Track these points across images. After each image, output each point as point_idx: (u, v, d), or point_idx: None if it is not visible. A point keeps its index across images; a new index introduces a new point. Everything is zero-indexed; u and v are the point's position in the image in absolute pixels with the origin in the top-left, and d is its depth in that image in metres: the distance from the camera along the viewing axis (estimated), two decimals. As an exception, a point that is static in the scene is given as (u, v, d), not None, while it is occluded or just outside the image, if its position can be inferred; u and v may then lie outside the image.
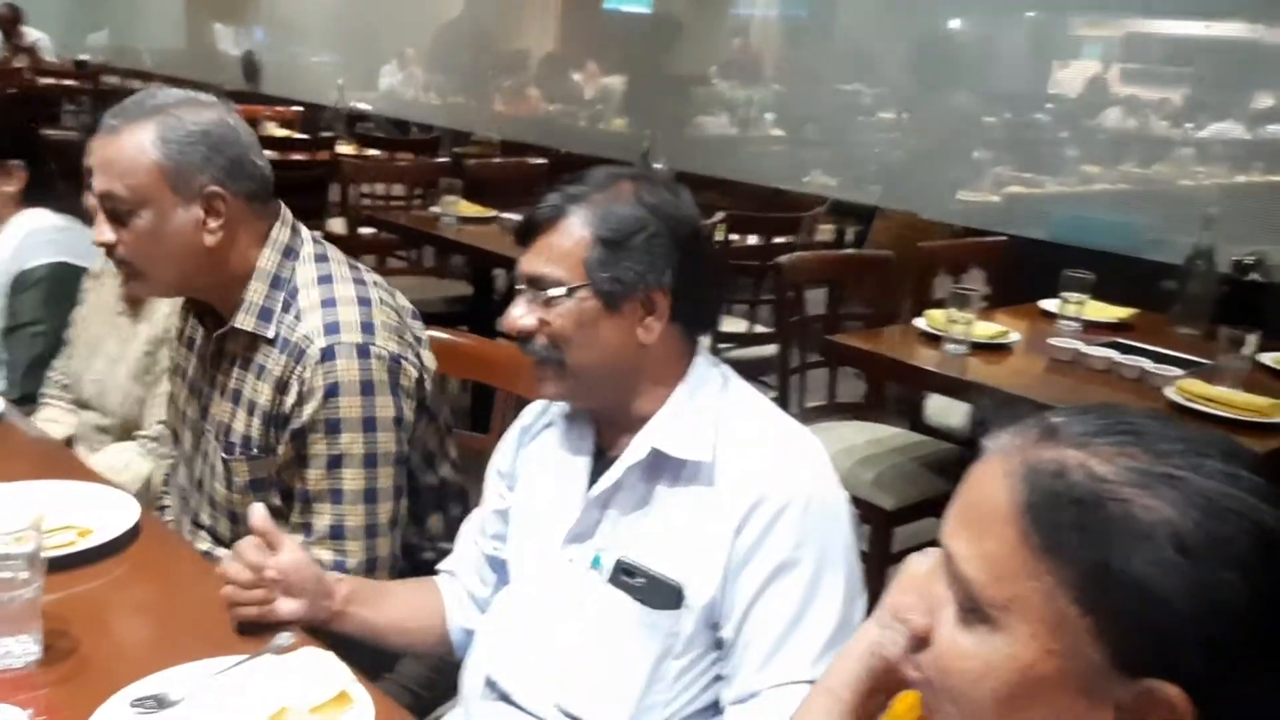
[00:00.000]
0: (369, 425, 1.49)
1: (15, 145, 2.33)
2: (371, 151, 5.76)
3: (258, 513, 1.31)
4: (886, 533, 2.60)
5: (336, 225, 4.98)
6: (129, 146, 1.45)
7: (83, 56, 9.65)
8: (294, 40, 8.73)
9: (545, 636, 1.27)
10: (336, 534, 1.51)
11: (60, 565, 1.31)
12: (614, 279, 1.22)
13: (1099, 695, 0.65)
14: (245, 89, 8.52)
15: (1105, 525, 0.63)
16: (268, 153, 1.59)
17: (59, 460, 1.75)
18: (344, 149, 5.62)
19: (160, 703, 1.10)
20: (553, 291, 1.23)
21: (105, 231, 1.49)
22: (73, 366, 2.19)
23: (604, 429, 1.32)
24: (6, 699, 1.09)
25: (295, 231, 1.59)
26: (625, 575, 1.23)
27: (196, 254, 1.49)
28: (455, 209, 4.15)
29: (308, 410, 1.48)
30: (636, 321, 1.24)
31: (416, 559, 1.65)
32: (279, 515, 1.51)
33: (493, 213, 4.25)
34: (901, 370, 2.57)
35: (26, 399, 2.21)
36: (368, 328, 1.51)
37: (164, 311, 2.05)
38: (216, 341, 1.58)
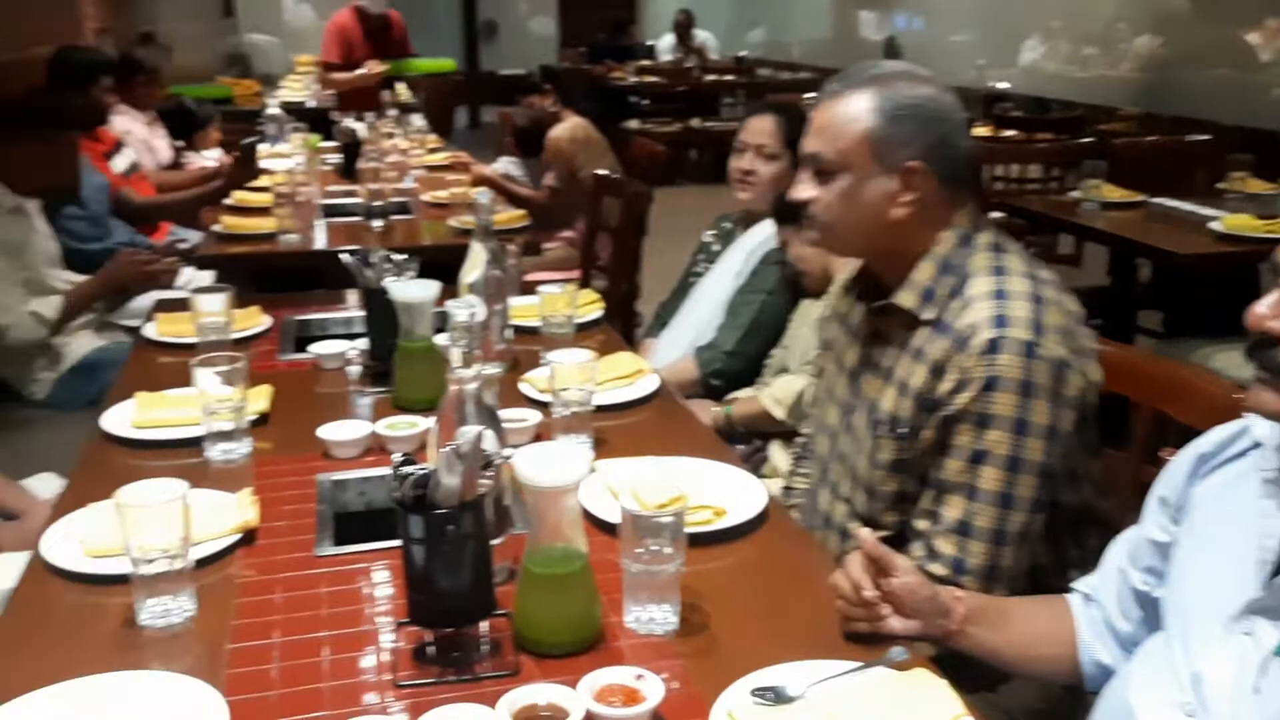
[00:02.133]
0: (1020, 428, 1.44)
1: None
2: (1008, 132, 5.57)
3: (866, 536, 1.29)
4: None
5: (966, 209, 4.89)
6: (845, 112, 1.52)
7: (742, 53, 10.55)
8: (935, 21, 8.73)
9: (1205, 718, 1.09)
10: (963, 530, 1.48)
11: (697, 542, 1.41)
12: None
13: None
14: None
15: None
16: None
17: (706, 441, 1.89)
18: (980, 130, 5.51)
19: (778, 696, 1.13)
20: None
21: (805, 189, 1.57)
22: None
23: None
24: (647, 663, 1.19)
25: (976, 222, 1.58)
26: None
27: (882, 223, 1.53)
28: (1097, 193, 3.86)
29: (961, 399, 1.46)
30: None
31: (1042, 584, 1.54)
32: (910, 500, 1.54)
33: (1140, 197, 3.88)
34: None
35: (735, 354, 2.53)
36: (1038, 327, 1.45)
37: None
38: (873, 318, 1.61)
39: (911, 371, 1.53)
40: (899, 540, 1.57)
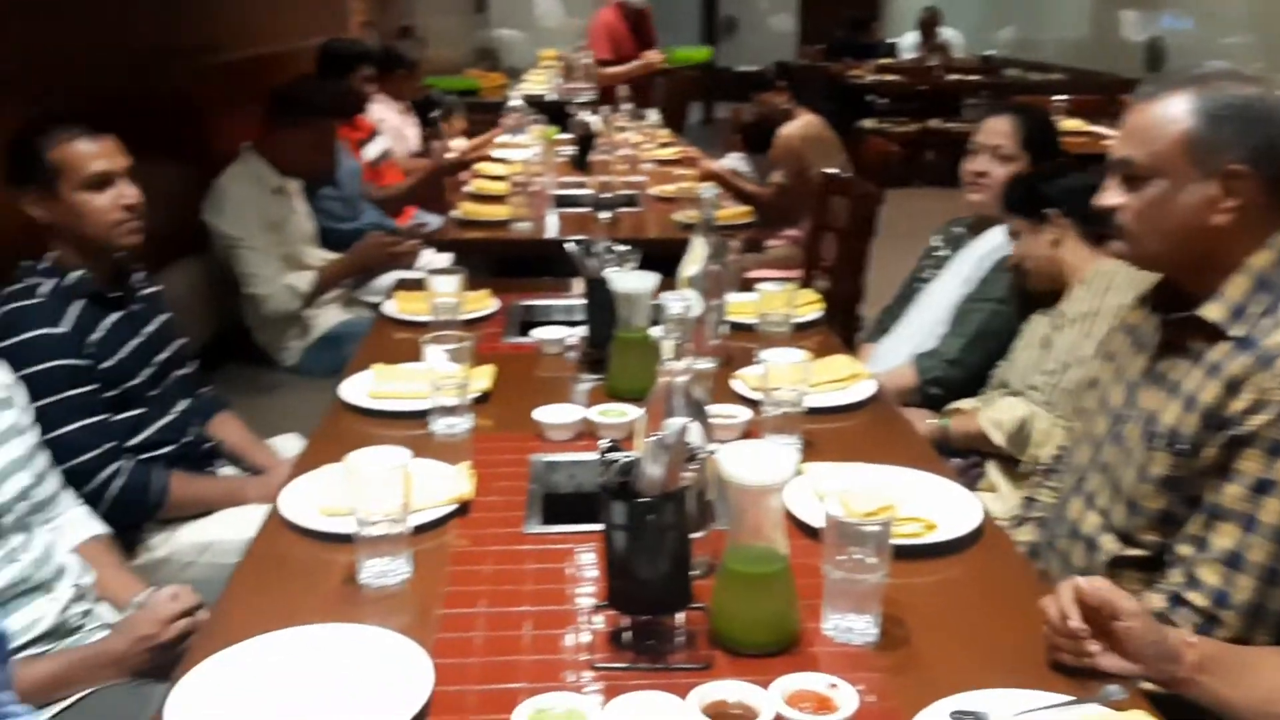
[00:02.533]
0: None
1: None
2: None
3: (1087, 586, 1.21)
4: None
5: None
6: (1161, 114, 1.44)
7: (989, 51, 10.14)
8: (1206, 22, 8.11)
9: None
10: (1233, 562, 1.38)
11: (903, 554, 1.36)
12: None
13: None
14: (1141, 78, 8.17)
15: None
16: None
17: (920, 452, 1.83)
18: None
19: (978, 723, 1.09)
20: None
21: (1113, 195, 1.49)
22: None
23: None
24: (842, 672, 1.16)
25: None
26: None
27: (1196, 232, 1.43)
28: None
29: (1255, 421, 1.36)
30: None
31: None
32: (1174, 521, 1.45)
33: None
34: None
35: (956, 363, 2.45)
36: None
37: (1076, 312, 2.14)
38: (1168, 329, 1.52)
39: (1203, 386, 1.43)
40: (1154, 562, 1.49)
